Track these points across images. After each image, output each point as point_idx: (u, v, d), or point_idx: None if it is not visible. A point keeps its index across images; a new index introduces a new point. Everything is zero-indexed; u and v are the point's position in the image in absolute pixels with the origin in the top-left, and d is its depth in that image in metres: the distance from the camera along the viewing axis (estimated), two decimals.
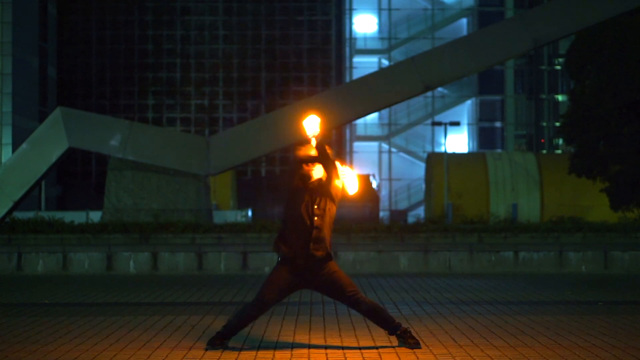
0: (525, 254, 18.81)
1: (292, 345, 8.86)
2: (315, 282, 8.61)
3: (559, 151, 69.84)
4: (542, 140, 74.60)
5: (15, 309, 12.09)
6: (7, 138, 60.11)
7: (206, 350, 8.55)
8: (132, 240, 20.82)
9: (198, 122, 73.85)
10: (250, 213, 50.44)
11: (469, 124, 74.69)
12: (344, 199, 9.01)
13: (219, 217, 38.92)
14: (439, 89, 65.73)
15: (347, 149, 74.46)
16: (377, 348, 8.71)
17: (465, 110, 74.79)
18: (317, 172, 8.68)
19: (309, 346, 8.83)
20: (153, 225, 21.66)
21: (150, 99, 74.02)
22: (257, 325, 10.11)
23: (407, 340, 8.61)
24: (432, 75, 24.55)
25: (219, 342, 8.58)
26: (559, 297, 13.57)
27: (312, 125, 8.78)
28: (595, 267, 18.69)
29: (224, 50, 74.29)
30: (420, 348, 8.58)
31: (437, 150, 70.05)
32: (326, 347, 8.75)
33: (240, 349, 8.57)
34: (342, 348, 8.71)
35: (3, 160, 56.70)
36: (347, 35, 74.80)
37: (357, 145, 74.43)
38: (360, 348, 8.71)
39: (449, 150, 60.38)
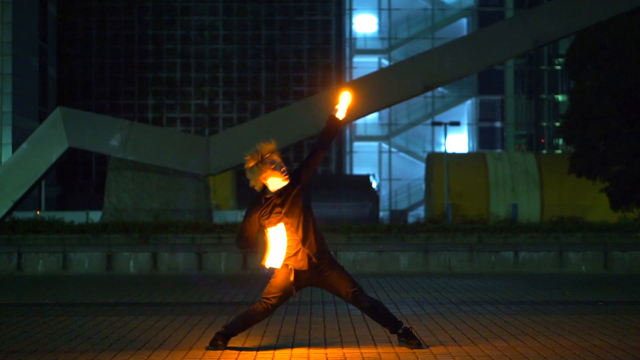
0: (525, 254, 18.80)
1: (292, 345, 8.86)
2: (317, 280, 8.63)
3: (559, 151, 69.81)
4: (542, 140, 74.60)
5: (15, 309, 12.09)
6: (7, 138, 60.15)
7: (207, 349, 8.55)
8: (132, 240, 20.84)
9: (198, 122, 73.86)
10: None
11: (469, 124, 74.72)
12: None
13: (219, 217, 38.92)
14: (439, 89, 65.75)
15: (347, 149, 74.49)
16: (376, 347, 8.71)
17: (465, 110, 74.82)
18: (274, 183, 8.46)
19: (309, 346, 8.83)
20: (153, 225, 21.67)
21: (150, 99, 74.02)
22: (257, 325, 10.10)
23: (409, 341, 8.60)
24: (432, 75, 24.56)
25: (221, 342, 8.58)
26: (559, 297, 13.57)
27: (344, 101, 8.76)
28: (595, 267, 18.67)
29: (224, 50, 74.30)
30: (421, 348, 8.58)
31: (437, 150, 70.06)
32: (326, 347, 8.76)
33: (240, 349, 8.58)
34: (342, 347, 8.72)
35: (3, 160, 56.70)
36: (347, 35, 74.83)
37: (357, 145, 74.45)
38: (360, 347, 8.72)
39: (449, 150, 60.39)
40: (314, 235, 8.49)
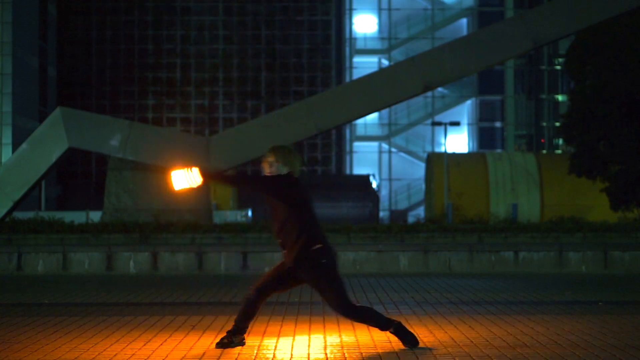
0: (525, 254, 18.82)
1: (292, 345, 8.87)
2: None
3: (559, 151, 69.79)
4: (542, 140, 74.56)
5: (15, 309, 12.09)
6: (7, 138, 60.16)
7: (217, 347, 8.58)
8: (132, 240, 20.83)
9: (198, 122, 73.85)
10: (250, 213, 50.43)
11: (469, 124, 74.67)
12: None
13: (219, 217, 38.92)
14: (439, 89, 65.68)
15: (347, 149, 74.48)
16: (376, 347, 8.71)
17: (465, 110, 74.77)
18: None
19: (309, 346, 8.84)
20: (153, 225, 21.66)
21: (150, 99, 74.03)
22: (257, 325, 10.12)
23: (405, 337, 8.60)
24: (432, 75, 24.57)
25: (227, 340, 8.62)
26: (559, 297, 13.57)
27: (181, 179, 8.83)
28: (595, 267, 18.69)
29: (224, 50, 74.29)
30: (417, 344, 8.58)
31: (437, 150, 70.01)
32: (326, 346, 8.76)
33: (241, 349, 8.58)
34: (342, 347, 8.72)
35: (3, 160, 56.69)
36: (347, 35, 74.81)
37: (357, 145, 74.41)
38: (359, 347, 8.72)
39: (449, 150, 60.38)
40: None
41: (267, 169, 8.68)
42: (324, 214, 32.81)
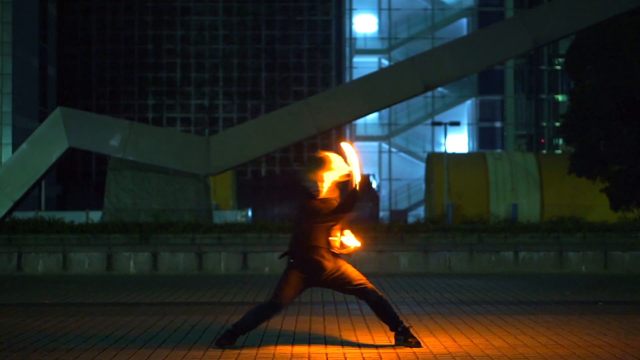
0: (525, 254, 18.81)
1: (292, 345, 8.86)
2: (324, 279, 8.80)
3: (559, 151, 69.75)
4: (542, 140, 74.55)
5: (15, 309, 12.09)
6: (7, 138, 60.11)
7: (214, 347, 8.57)
8: (132, 240, 20.82)
9: (198, 122, 73.84)
10: (250, 213, 50.42)
11: (469, 124, 74.68)
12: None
13: (219, 217, 38.91)
14: (439, 89, 65.70)
15: None
16: (376, 347, 8.71)
17: (465, 110, 74.77)
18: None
19: (309, 346, 8.83)
20: (153, 225, 21.65)
21: (150, 99, 74.01)
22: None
23: (408, 340, 8.62)
24: (432, 75, 24.55)
25: (226, 342, 8.63)
26: (559, 297, 13.58)
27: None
28: (595, 267, 18.68)
29: (224, 50, 74.28)
30: (420, 347, 8.59)
31: (437, 150, 70.03)
32: (326, 346, 8.76)
33: (240, 349, 8.58)
34: (342, 347, 8.72)
35: (3, 160, 56.67)
36: (347, 35, 74.80)
37: (357, 145, 74.30)
38: (360, 347, 8.72)
39: (449, 150, 60.38)
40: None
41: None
42: None
